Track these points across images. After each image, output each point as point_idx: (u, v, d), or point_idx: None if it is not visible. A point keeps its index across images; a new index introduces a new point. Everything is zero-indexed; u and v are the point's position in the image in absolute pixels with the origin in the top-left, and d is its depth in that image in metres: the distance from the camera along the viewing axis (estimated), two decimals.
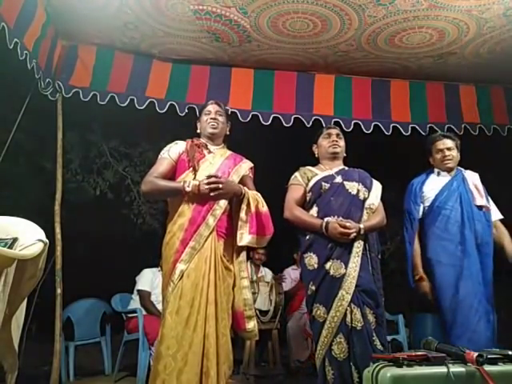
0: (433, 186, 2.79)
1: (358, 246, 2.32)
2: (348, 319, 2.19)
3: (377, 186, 2.54)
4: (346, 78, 3.59)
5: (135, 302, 3.68)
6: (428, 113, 3.64)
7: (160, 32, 3.01)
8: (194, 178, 2.24)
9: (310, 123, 3.47)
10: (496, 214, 2.79)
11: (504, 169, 4.28)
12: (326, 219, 2.32)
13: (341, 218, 2.33)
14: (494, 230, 2.73)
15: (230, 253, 2.28)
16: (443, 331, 2.55)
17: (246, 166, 2.45)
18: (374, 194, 2.49)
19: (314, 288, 2.31)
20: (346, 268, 2.26)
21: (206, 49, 3.23)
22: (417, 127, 3.56)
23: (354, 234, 2.28)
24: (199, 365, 2.00)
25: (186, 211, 2.20)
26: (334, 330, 2.20)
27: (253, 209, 2.25)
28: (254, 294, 3.82)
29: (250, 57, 3.33)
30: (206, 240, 2.16)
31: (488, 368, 1.64)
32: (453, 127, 3.56)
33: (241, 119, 3.37)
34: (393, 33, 2.96)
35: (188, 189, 2.16)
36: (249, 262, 4.37)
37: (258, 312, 3.84)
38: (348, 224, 2.28)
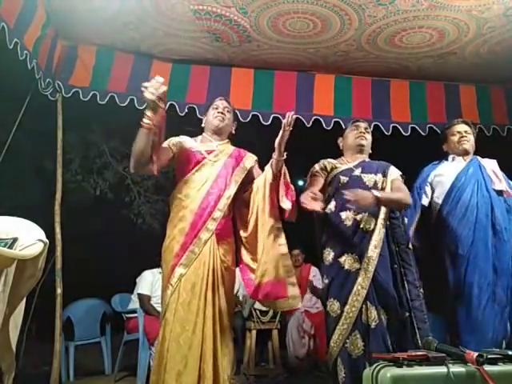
0: (447, 171, 2.69)
1: (377, 239, 2.26)
2: (364, 317, 2.17)
3: (393, 172, 2.47)
4: (346, 77, 3.59)
5: (135, 303, 3.67)
6: (428, 113, 3.63)
7: (160, 32, 3.01)
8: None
9: (310, 123, 3.47)
10: None
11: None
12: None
13: (356, 213, 2.30)
14: None
15: (230, 255, 2.27)
16: (451, 328, 2.47)
17: (250, 160, 2.42)
18: (391, 181, 2.42)
19: (326, 281, 2.30)
20: (360, 263, 2.22)
21: (206, 49, 3.23)
22: (416, 127, 3.56)
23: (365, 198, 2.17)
24: (197, 368, 2.00)
25: (188, 215, 2.19)
26: (349, 327, 2.16)
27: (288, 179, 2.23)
28: None
29: (249, 57, 3.33)
30: (205, 244, 2.16)
31: (488, 368, 1.64)
32: None
33: (241, 119, 3.37)
34: (393, 33, 2.96)
35: (146, 120, 2.16)
36: None
37: (258, 312, 3.85)
38: (349, 193, 2.16)
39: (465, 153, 2.72)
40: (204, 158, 2.30)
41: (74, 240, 3.72)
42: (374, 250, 2.24)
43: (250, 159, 2.42)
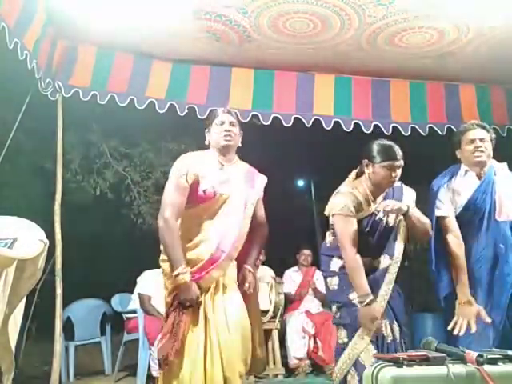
0: (458, 189, 2.43)
1: (392, 273, 2.20)
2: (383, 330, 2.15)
3: (407, 202, 2.29)
4: (345, 78, 3.59)
5: (135, 303, 3.68)
6: (428, 113, 3.64)
7: (160, 32, 3.01)
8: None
9: (310, 123, 3.48)
10: None
11: None
12: (370, 299, 2.13)
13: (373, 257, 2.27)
14: None
15: (235, 273, 2.22)
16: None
17: (260, 187, 2.30)
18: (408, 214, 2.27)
19: (335, 309, 2.29)
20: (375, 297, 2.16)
21: (206, 49, 3.23)
22: (417, 127, 3.56)
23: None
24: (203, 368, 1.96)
25: (195, 260, 2.07)
26: (354, 358, 2.12)
27: None
28: None
29: (250, 57, 3.33)
30: (212, 279, 2.07)
31: (488, 368, 1.64)
32: (453, 127, 3.56)
33: (241, 119, 3.37)
34: (393, 33, 2.96)
35: (182, 296, 1.98)
36: None
37: None
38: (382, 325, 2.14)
39: (479, 165, 2.43)
40: (216, 194, 2.13)
41: (74, 240, 3.72)
42: (390, 282, 2.21)
43: (259, 188, 2.29)
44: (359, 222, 2.26)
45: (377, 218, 2.29)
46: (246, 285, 2.16)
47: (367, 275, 2.21)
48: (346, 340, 2.17)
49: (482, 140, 2.41)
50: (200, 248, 2.09)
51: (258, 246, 2.31)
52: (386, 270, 2.24)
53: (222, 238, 2.09)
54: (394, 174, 2.22)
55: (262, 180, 2.34)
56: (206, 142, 2.28)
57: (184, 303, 1.97)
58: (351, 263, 2.21)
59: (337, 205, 2.26)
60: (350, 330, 2.17)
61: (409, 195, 2.35)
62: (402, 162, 2.24)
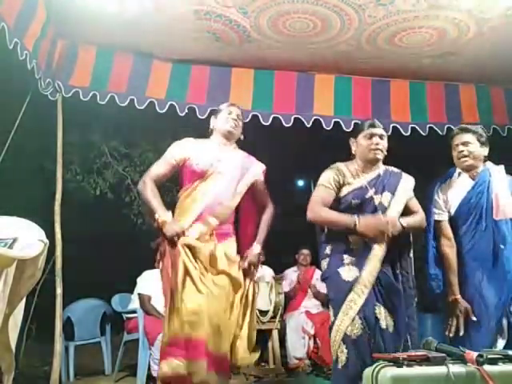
0: (453, 190, 2.49)
1: (379, 250, 2.21)
2: (377, 314, 2.16)
3: (404, 189, 2.36)
4: (345, 77, 3.59)
5: (135, 303, 3.67)
6: (428, 113, 3.64)
7: (160, 32, 3.01)
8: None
9: (310, 123, 3.48)
10: None
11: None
12: (356, 217, 2.20)
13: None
14: None
15: (231, 249, 2.40)
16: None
17: (256, 170, 2.50)
18: (399, 200, 2.32)
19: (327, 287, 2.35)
20: (359, 271, 2.19)
21: (206, 49, 3.23)
22: (417, 127, 3.56)
23: (391, 230, 2.18)
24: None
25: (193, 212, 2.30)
26: (341, 335, 2.13)
27: None
28: None
29: (249, 57, 3.33)
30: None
31: (488, 368, 1.64)
32: (453, 127, 3.55)
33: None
34: (393, 33, 2.96)
35: (167, 233, 2.17)
36: None
37: (257, 312, 3.84)
38: (384, 220, 2.18)
39: (467, 169, 2.47)
40: (210, 168, 2.35)
41: (74, 240, 3.71)
42: (377, 259, 2.22)
43: (254, 170, 2.48)
44: (347, 195, 2.32)
45: (367, 195, 2.31)
46: (246, 263, 2.35)
47: (359, 255, 2.24)
48: (332, 319, 2.21)
49: (464, 144, 2.45)
50: (185, 220, 2.28)
51: (266, 225, 2.49)
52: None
53: (205, 208, 2.29)
54: (375, 141, 2.32)
55: (260, 165, 2.54)
56: (211, 126, 2.51)
57: (171, 239, 2.15)
58: (319, 214, 2.29)
59: (321, 177, 2.40)
60: (335, 308, 2.20)
61: (406, 183, 2.40)
62: (382, 131, 2.36)
